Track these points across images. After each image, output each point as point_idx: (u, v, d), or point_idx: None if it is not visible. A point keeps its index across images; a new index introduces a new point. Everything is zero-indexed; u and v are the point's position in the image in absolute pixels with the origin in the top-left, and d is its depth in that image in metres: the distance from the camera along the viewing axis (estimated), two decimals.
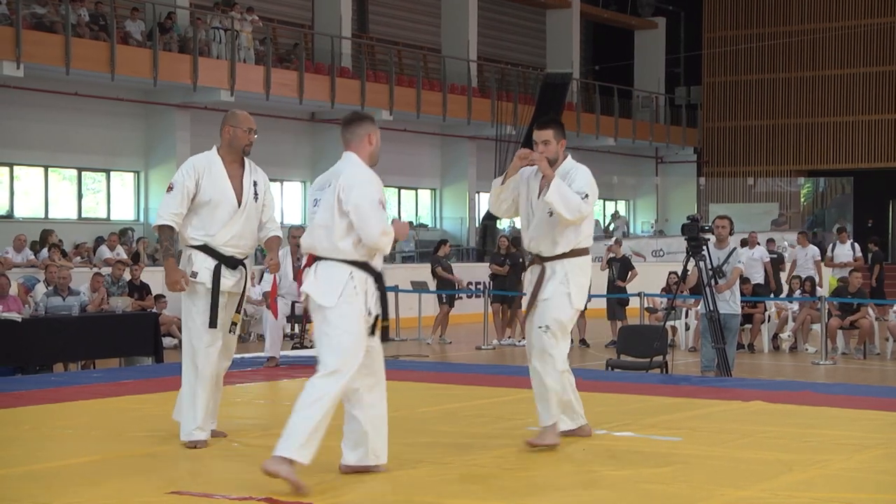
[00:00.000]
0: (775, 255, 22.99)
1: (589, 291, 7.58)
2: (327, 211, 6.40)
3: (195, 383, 7.48)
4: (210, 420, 7.58)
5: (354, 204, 6.31)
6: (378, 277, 6.47)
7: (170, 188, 7.54)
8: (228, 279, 7.58)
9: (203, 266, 7.52)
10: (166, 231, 7.52)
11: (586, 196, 7.26)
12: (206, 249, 7.55)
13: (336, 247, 6.36)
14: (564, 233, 7.31)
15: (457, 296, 21.10)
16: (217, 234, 7.54)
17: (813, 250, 21.78)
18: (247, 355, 14.06)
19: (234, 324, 7.66)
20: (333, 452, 6.68)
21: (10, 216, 23.04)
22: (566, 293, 7.30)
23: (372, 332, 6.50)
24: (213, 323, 7.49)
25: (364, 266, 6.41)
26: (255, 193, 7.67)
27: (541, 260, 7.37)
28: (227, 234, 7.55)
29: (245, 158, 7.74)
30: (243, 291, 7.69)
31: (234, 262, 7.61)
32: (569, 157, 7.49)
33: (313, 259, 6.48)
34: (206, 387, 7.50)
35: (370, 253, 6.41)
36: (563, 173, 7.32)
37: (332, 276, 6.38)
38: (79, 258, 20.45)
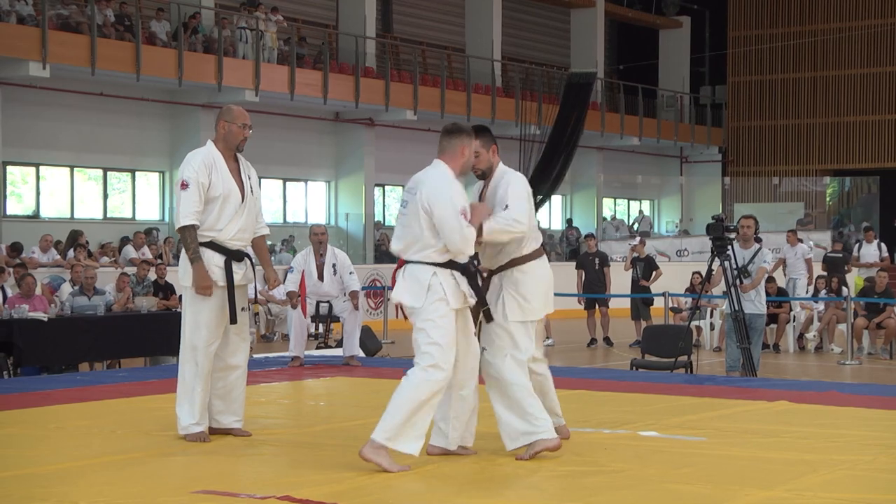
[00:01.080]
0: (839, 255, 22.42)
1: (548, 293, 7.23)
2: (414, 217, 6.71)
3: (194, 380, 7.56)
4: (205, 414, 7.65)
5: (439, 215, 6.63)
6: (464, 270, 6.76)
7: (184, 185, 7.52)
8: (237, 273, 7.65)
9: (213, 265, 7.55)
10: (191, 232, 7.50)
11: (507, 206, 6.97)
12: (212, 246, 7.57)
13: (421, 251, 6.71)
14: (504, 247, 7.11)
15: None
16: (225, 229, 7.58)
17: (802, 248, 21.39)
18: (271, 355, 14.10)
19: (241, 308, 7.72)
20: (353, 453, 6.69)
21: (36, 216, 23.17)
22: (514, 303, 7.07)
23: (486, 319, 6.99)
24: (233, 319, 7.58)
25: (447, 264, 6.72)
26: (251, 188, 7.74)
27: (490, 273, 7.28)
28: (234, 228, 7.61)
29: (238, 154, 7.75)
30: (254, 282, 7.86)
31: (240, 256, 7.70)
32: (500, 163, 7.22)
33: (403, 262, 6.82)
34: (204, 386, 7.58)
35: (454, 255, 6.74)
36: (494, 185, 7.17)
37: (417, 278, 6.71)
38: (105, 258, 20.53)
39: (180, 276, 7.73)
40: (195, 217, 7.47)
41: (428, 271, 6.67)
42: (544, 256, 7.27)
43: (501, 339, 7.04)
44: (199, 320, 7.56)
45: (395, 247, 6.85)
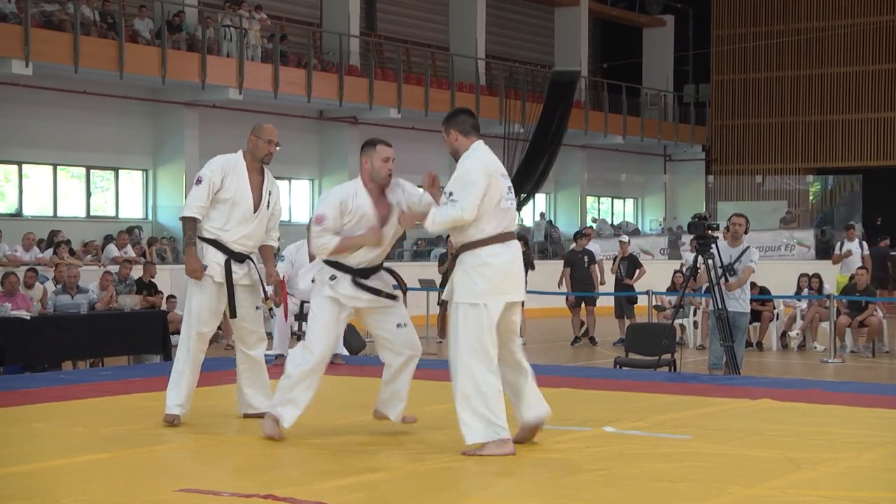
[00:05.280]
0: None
1: (503, 280, 7.02)
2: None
3: (184, 364, 8.11)
4: (189, 400, 8.15)
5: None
6: (347, 269, 7.64)
7: (198, 181, 8.08)
8: (237, 272, 8.14)
9: (213, 261, 8.07)
10: (191, 222, 8.06)
11: (450, 194, 7.00)
12: (216, 244, 8.09)
13: None
14: (461, 230, 7.06)
15: None
16: (230, 231, 8.09)
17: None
18: None
19: (269, 308, 8.49)
20: (350, 448, 6.70)
21: (18, 214, 23.09)
22: (460, 285, 7.04)
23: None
24: (233, 313, 8.13)
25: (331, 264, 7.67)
26: (268, 202, 8.24)
27: (454, 254, 7.29)
28: (238, 232, 8.11)
29: (265, 169, 8.28)
30: (260, 279, 8.27)
31: (241, 257, 8.17)
32: (471, 146, 7.15)
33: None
34: (193, 369, 8.13)
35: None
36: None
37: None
38: (88, 256, 20.48)
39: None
40: (197, 211, 8.03)
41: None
42: (509, 242, 7.07)
43: (453, 322, 7.04)
44: (193, 308, 8.13)
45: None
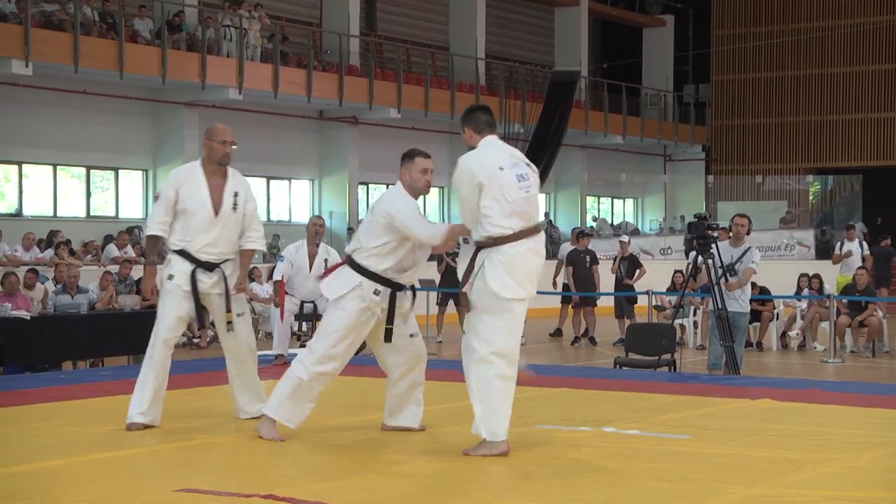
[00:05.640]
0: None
1: (505, 278, 6.88)
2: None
3: (147, 372, 7.98)
4: (156, 407, 7.98)
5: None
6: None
7: (156, 198, 8.13)
8: (205, 282, 8.05)
9: (179, 270, 8.02)
10: (152, 240, 8.12)
11: None
12: (183, 254, 8.03)
13: None
14: (474, 226, 7.03)
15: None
16: (193, 241, 8.00)
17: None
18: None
19: (229, 322, 8.14)
20: (350, 448, 6.70)
21: (18, 214, 23.10)
22: (481, 283, 6.95)
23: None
24: (200, 323, 8.28)
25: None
26: (235, 204, 8.08)
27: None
28: (202, 241, 8.01)
29: (229, 168, 8.15)
30: (227, 291, 8.09)
31: (210, 266, 8.06)
32: (478, 143, 7.12)
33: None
34: (156, 376, 7.96)
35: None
36: None
37: None
38: (88, 256, 20.48)
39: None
40: (157, 228, 8.03)
41: None
42: (517, 242, 6.86)
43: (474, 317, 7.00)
44: (160, 314, 8.07)
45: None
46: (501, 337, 6.85)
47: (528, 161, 7.16)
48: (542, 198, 34.51)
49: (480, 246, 6.94)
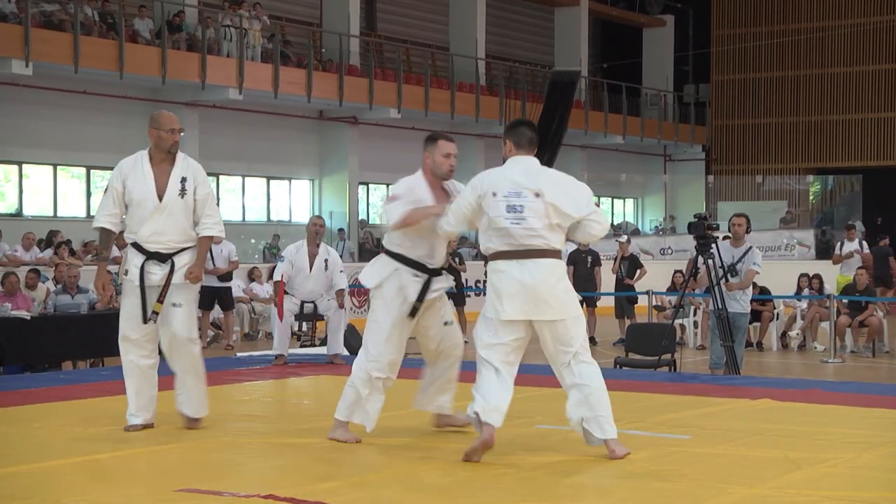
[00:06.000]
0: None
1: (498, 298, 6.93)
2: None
3: (126, 375, 7.90)
4: (147, 407, 7.88)
5: None
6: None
7: (105, 191, 7.93)
8: (156, 274, 7.80)
9: (132, 264, 7.83)
10: (102, 234, 7.89)
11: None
12: (135, 247, 7.82)
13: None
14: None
15: (466, 293, 20.94)
16: (139, 232, 7.78)
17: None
18: (255, 353, 14.09)
19: (154, 312, 7.80)
20: (351, 448, 6.69)
21: (19, 214, 23.10)
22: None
23: None
24: (144, 318, 7.79)
25: None
26: (183, 190, 7.77)
27: None
28: (147, 230, 7.76)
29: (178, 155, 7.87)
30: (167, 283, 7.76)
31: (161, 257, 7.80)
32: (508, 160, 7.20)
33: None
34: (137, 376, 7.84)
35: None
36: None
37: None
38: (88, 256, 20.47)
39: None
40: (105, 221, 7.82)
41: None
42: (505, 261, 6.89)
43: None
44: (122, 315, 7.91)
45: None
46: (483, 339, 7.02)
47: (540, 190, 6.90)
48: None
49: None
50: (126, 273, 7.83)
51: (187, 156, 7.96)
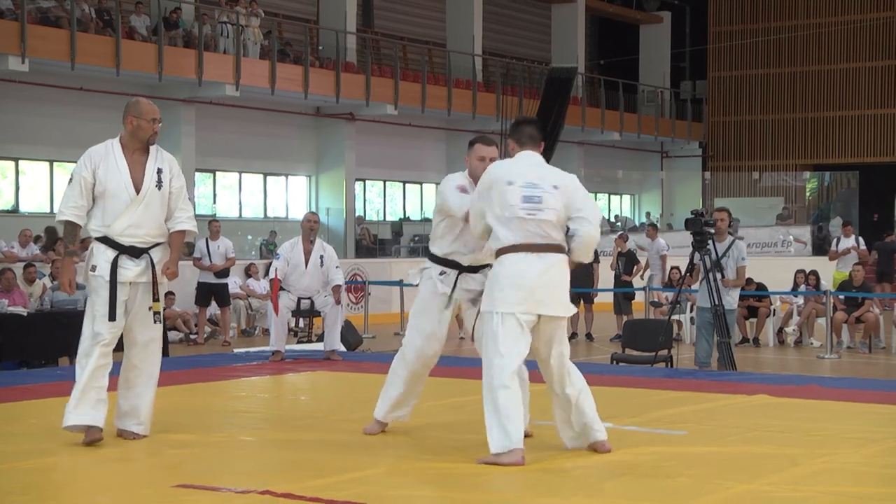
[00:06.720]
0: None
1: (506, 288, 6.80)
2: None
3: (80, 371, 7.34)
4: (91, 405, 7.27)
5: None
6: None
7: (69, 181, 7.35)
8: (130, 269, 7.32)
9: (102, 259, 7.31)
10: (68, 227, 7.33)
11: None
12: (105, 241, 7.33)
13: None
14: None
15: None
16: (113, 225, 7.30)
17: (659, 244, 21.40)
18: (252, 349, 14.08)
19: (156, 313, 7.42)
20: (348, 444, 6.67)
21: (15, 211, 23.08)
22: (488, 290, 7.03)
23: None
24: (111, 315, 7.26)
25: None
26: (160, 182, 7.38)
27: None
28: (122, 224, 7.30)
29: (152, 147, 7.48)
30: (154, 280, 7.38)
31: (136, 252, 7.35)
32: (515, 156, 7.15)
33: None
34: (93, 378, 7.28)
35: None
36: None
37: None
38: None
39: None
40: (71, 213, 7.28)
41: None
42: (519, 254, 6.77)
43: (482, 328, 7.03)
44: (94, 313, 7.32)
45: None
46: (491, 350, 6.76)
47: (557, 182, 6.87)
48: None
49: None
50: (94, 269, 7.31)
51: (160, 147, 7.58)
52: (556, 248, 6.83)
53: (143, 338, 7.47)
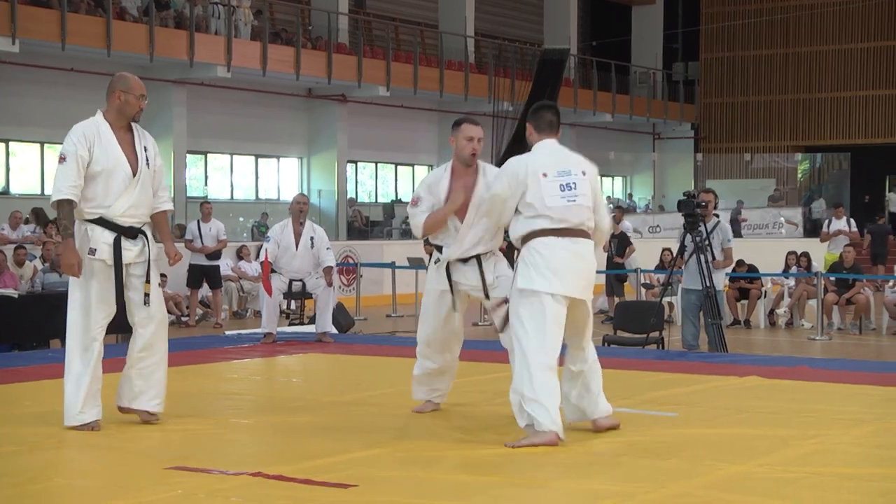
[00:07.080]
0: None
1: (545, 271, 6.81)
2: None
3: (85, 367, 7.17)
4: (94, 399, 7.18)
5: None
6: None
7: (62, 159, 7.13)
8: (130, 250, 7.18)
9: (102, 242, 7.11)
10: (66, 206, 7.06)
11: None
12: (102, 222, 7.13)
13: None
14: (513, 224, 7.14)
15: None
16: (113, 206, 7.12)
17: (625, 226, 21.68)
18: (243, 331, 14.09)
19: (146, 294, 7.22)
20: (339, 426, 6.67)
21: (5, 192, 23.03)
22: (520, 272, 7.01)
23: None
24: (119, 299, 7.16)
25: None
26: (147, 160, 7.28)
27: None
28: (123, 204, 7.14)
29: (133, 124, 7.34)
30: (149, 260, 7.25)
31: (133, 232, 7.20)
32: (535, 145, 7.08)
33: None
34: (94, 371, 7.18)
35: None
36: None
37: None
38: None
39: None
40: (70, 192, 7.04)
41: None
42: (556, 238, 6.78)
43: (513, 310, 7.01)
44: (90, 300, 7.14)
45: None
46: (530, 332, 6.73)
47: (584, 168, 6.96)
48: None
49: (514, 246, 6.99)
50: (93, 253, 7.09)
51: (137, 125, 7.41)
52: (588, 234, 6.93)
53: (159, 315, 7.32)
